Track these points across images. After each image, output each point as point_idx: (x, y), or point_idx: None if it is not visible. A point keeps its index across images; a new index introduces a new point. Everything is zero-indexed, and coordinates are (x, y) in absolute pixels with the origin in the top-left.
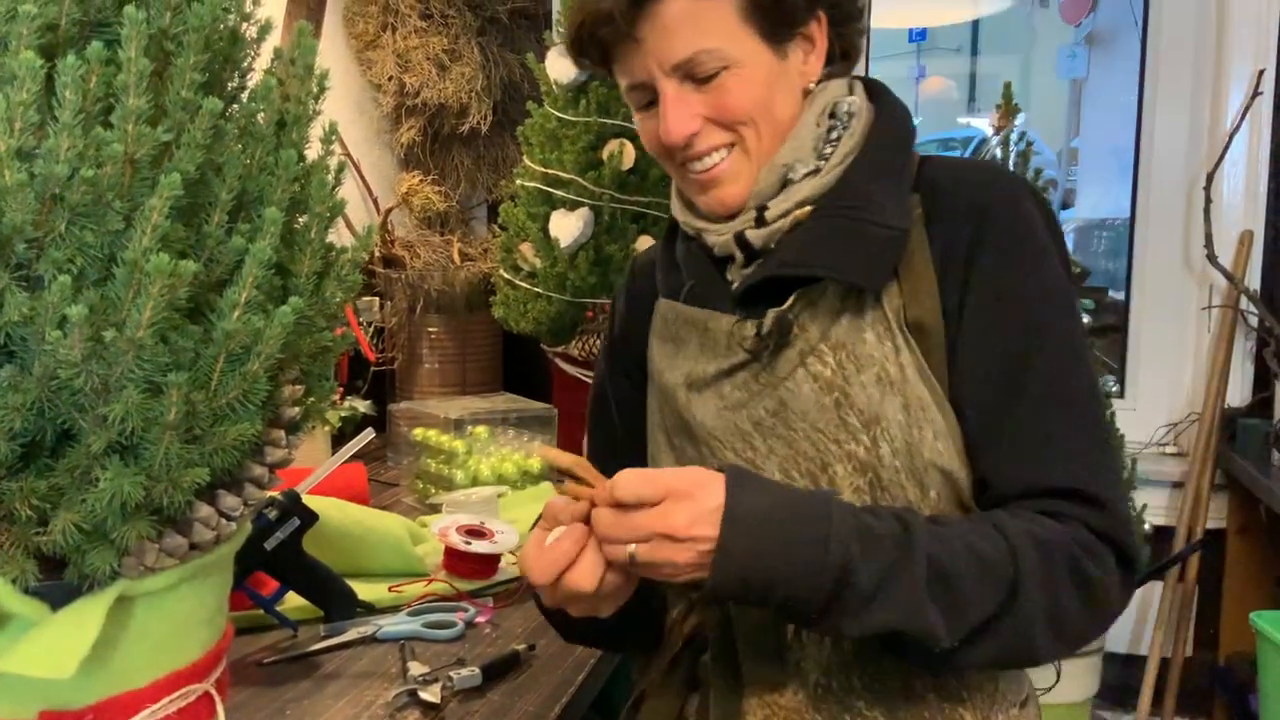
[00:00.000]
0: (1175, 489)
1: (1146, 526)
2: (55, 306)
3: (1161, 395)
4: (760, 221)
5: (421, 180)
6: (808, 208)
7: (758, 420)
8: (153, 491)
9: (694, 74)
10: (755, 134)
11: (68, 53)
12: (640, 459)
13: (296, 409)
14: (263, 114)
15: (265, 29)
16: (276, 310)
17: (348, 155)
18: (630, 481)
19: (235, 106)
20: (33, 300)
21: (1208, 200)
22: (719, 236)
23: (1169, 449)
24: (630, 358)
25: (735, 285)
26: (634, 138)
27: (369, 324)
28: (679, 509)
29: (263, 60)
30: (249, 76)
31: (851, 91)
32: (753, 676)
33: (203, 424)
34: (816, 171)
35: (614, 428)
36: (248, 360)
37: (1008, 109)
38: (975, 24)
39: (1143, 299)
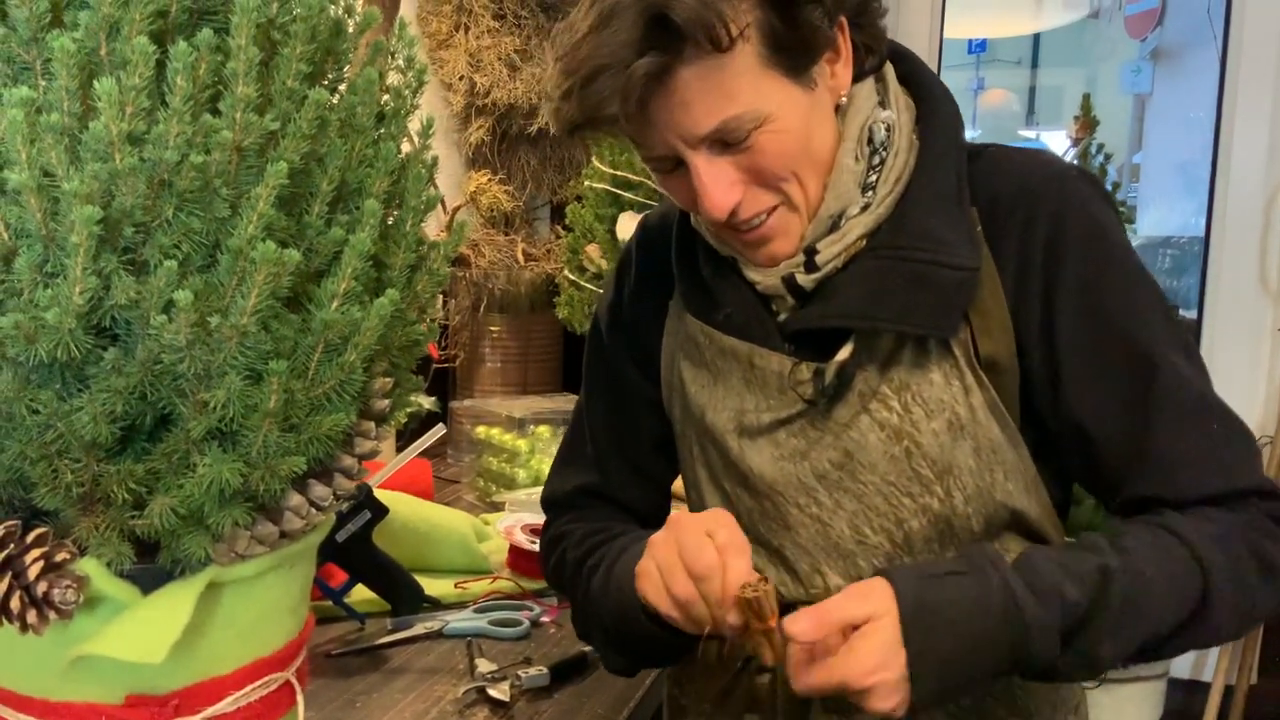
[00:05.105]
0: None
1: None
2: (161, 291)
3: None
4: (811, 266)
5: (490, 180)
6: (862, 243)
7: (821, 473)
8: (250, 479)
9: (724, 141)
10: (799, 187)
11: (177, 39)
12: (648, 450)
13: (386, 401)
14: (363, 106)
15: (368, 20)
16: (374, 302)
17: None
18: (805, 630)
19: (335, 98)
20: (139, 284)
21: None
22: (765, 278)
23: None
24: (640, 348)
25: (784, 320)
26: None
27: (432, 320)
28: (861, 654)
29: (357, 53)
30: (345, 69)
31: (882, 98)
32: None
33: (300, 413)
34: (867, 206)
35: (620, 403)
36: (345, 350)
37: (1087, 120)
38: (1036, 37)
39: (1215, 318)
